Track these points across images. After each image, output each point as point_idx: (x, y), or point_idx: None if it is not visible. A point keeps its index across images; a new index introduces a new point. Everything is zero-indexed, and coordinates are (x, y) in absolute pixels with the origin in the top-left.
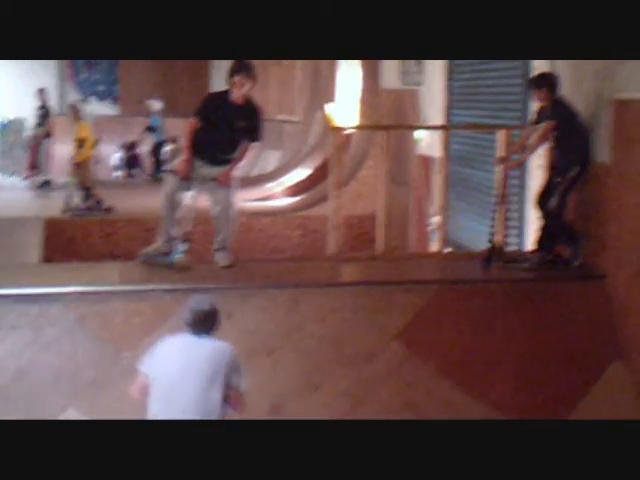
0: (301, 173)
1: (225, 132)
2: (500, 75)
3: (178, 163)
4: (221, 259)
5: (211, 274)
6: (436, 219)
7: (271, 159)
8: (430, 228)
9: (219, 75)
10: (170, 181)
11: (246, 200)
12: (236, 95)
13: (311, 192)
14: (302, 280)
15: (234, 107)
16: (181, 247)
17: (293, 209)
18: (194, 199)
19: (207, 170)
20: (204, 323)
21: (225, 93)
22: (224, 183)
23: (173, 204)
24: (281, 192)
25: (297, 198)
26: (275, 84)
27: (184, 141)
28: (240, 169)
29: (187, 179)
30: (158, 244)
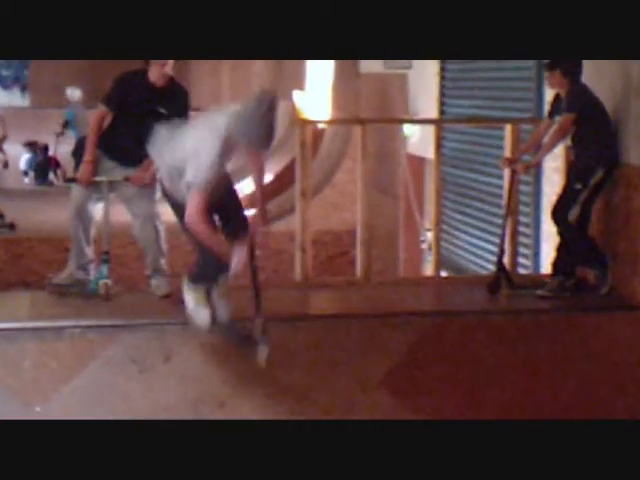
0: None
1: (143, 122)
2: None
3: (81, 167)
4: (157, 287)
5: (145, 305)
6: (430, 235)
7: None
8: (423, 246)
9: None
10: (75, 191)
11: None
12: (156, 75)
13: (274, 203)
14: (265, 312)
15: (154, 90)
16: (102, 271)
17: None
18: (107, 210)
19: (123, 172)
20: None
21: (142, 74)
22: (141, 182)
23: (83, 219)
24: None
25: (255, 211)
26: (227, 68)
27: (89, 137)
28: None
29: (95, 185)
30: (70, 270)
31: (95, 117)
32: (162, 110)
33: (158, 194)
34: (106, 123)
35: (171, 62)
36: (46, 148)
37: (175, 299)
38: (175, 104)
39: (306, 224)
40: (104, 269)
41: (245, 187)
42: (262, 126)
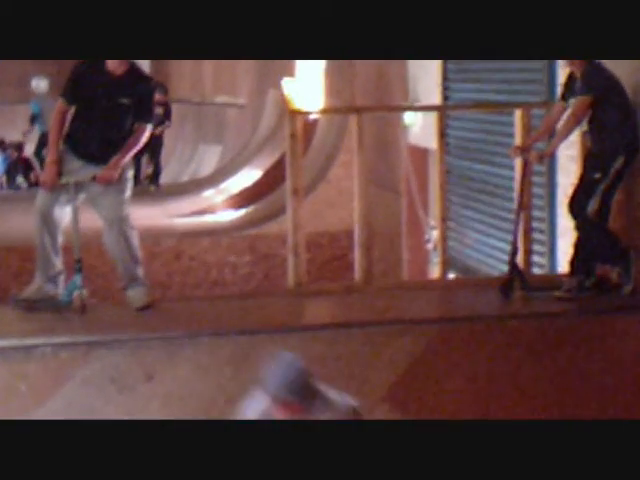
0: (249, 176)
1: (106, 115)
2: None
3: (44, 168)
4: (133, 298)
5: (123, 319)
6: (435, 234)
7: (208, 157)
8: (428, 246)
9: None
10: (39, 195)
11: (174, 215)
12: (114, 64)
13: (263, 202)
14: (253, 324)
15: (113, 79)
16: (75, 281)
17: (239, 226)
18: (76, 214)
19: (91, 171)
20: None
21: (99, 62)
22: (108, 180)
23: (49, 226)
24: (222, 203)
25: (245, 211)
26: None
27: (50, 134)
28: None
29: (61, 188)
30: (38, 283)
31: (55, 112)
32: (124, 100)
33: (128, 193)
34: (70, 118)
35: None
36: (19, 147)
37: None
38: (137, 93)
39: (299, 225)
40: (77, 279)
41: (233, 184)
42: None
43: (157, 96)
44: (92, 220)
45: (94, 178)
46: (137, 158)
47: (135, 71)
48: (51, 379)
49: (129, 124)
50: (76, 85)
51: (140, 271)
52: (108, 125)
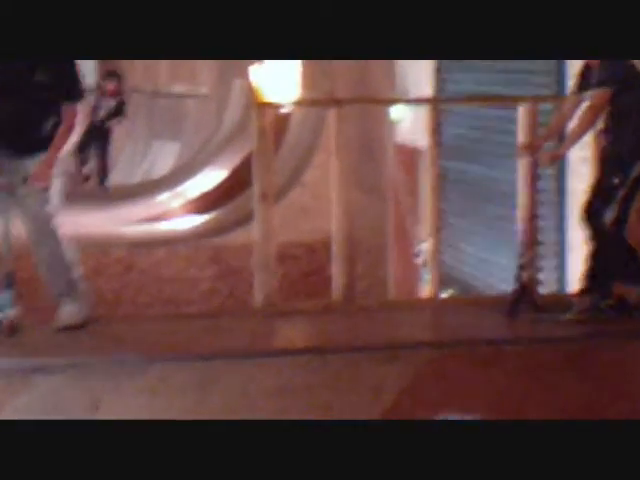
0: (211, 177)
1: (23, 96)
2: None
3: None
4: (63, 315)
5: (66, 341)
6: (426, 246)
7: (163, 156)
8: (418, 260)
9: None
10: None
11: (123, 222)
12: None
13: (229, 207)
14: (216, 348)
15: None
16: (3, 298)
17: (200, 235)
18: (6, 221)
19: (19, 166)
20: None
21: None
22: (44, 179)
23: None
24: (181, 208)
25: (206, 217)
26: None
27: None
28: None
29: None
30: None
31: None
32: (40, 77)
33: (56, 190)
34: None
35: None
36: None
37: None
38: (54, 67)
39: (269, 234)
40: (6, 295)
41: (193, 186)
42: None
43: (109, 85)
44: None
45: (26, 179)
46: (83, 152)
47: None
48: None
49: (56, 106)
50: None
51: (77, 283)
52: (27, 108)
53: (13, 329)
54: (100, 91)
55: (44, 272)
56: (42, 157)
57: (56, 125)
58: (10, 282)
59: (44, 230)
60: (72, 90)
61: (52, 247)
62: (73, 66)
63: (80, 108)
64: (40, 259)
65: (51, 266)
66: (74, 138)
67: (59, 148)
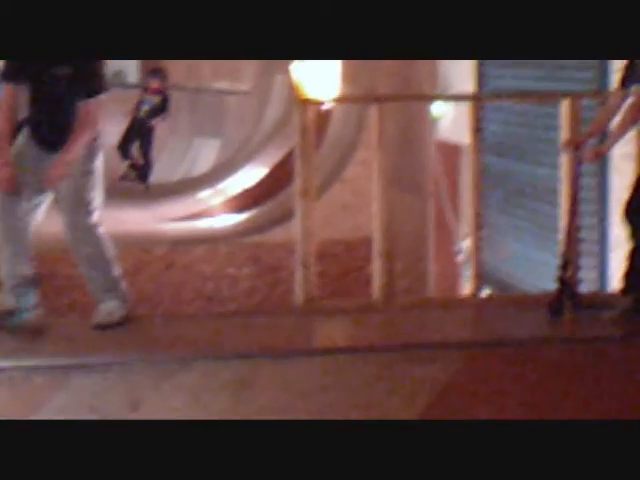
0: (252, 174)
1: (46, 89)
2: None
3: None
4: (105, 312)
5: (106, 339)
6: (468, 244)
7: (205, 153)
8: (459, 258)
9: None
10: None
11: (165, 220)
12: None
13: (268, 205)
14: (256, 346)
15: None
16: (26, 300)
17: (240, 233)
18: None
19: (48, 161)
20: None
21: None
22: (55, 182)
23: (10, 232)
24: (221, 205)
25: (246, 215)
26: None
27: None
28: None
29: (21, 189)
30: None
31: (3, 100)
32: (63, 70)
33: (94, 187)
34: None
35: None
36: None
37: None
38: (76, 61)
39: (309, 232)
40: (29, 298)
41: (234, 184)
42: None
43: (153, 82)
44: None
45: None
46: (125, 149)
47: None
48: (20, 408)
49: (73, 99)
50: (11, 65)
51: (116, 280)
52: (52, 103)
53: (35, 331)
54: (144, 88)
55: (84, 270)
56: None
57: (70, 117)
58: (33, 284)
59: (83, 228)
60: (92, 84)
61: (91, 245)
62: (93, 61)
63: (95, 105)
64: (79, 257)
65: (91, 264)
66: (90, 133)
67: (73, 148)
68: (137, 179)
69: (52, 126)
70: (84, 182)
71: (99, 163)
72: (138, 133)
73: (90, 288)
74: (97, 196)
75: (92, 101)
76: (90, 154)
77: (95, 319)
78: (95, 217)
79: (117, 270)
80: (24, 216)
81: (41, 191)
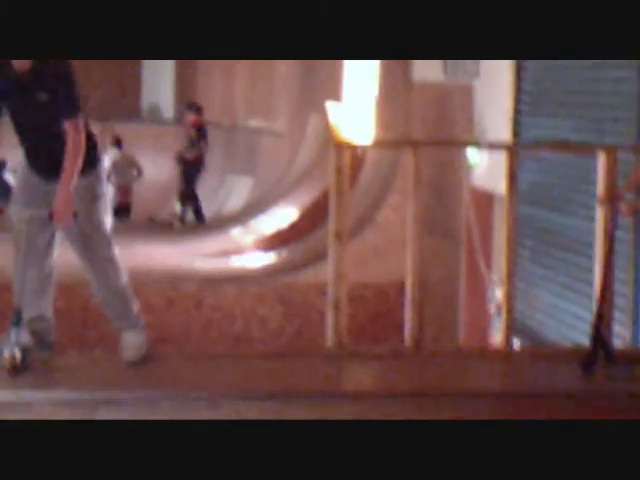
0: (284, 214)
1: (30, 119)
2: (601, 63)
3: None
4: (133, 346)
5: (134, 374)
6: (500, 293)
7: (237, 190)
8: (490, 307)
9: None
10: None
11: (195, 256)
12: (19, 63)
13: (300, 245)
14: (285, 387)
15: (23, 78)
16: (9, 337)
17: (271, 272)
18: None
19: (52, 189)
20: None
21: (2, 66)
22: (63, 220)
23: (31, 267)
24: (252, 244)
25: (277, 254)
26: (244, 73)
27: None
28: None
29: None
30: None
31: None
32: (41, 96)
33: (104, 212)
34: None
35: None
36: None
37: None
38: (53, 85)
39: (342, 274)
40: (13, 334)
41: (266, 222)
42: None
43: (190, 117)
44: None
45: (51, 216)
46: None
47: (42, 61)
48: None
49: (56, 123)
50: None
51: (136, 315)
52: (42, 134)
53: (16, 368)
54: (183, 123)
55: (103, 305)
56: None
57: (58, 142)
58: (17, 320)
59: (98, 260)
60: (68, 106)
61: (107, 279)
62: (68, 79)
63: (78, 125)
64: (97, 291)
65: (109, 299)
66: (79, 156)
67: (70, 177)
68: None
69: (47, 153)
70: (95, 207)
71: (106, 187)
72: (182, 170)
73: (111, 317)
74: (108, 222)
75: (74, 122)
76: (96, 178)
77: (126, 355)
78: (111, 247)
79: (135, 304)
80: (43, 249)
81: (51, 222)
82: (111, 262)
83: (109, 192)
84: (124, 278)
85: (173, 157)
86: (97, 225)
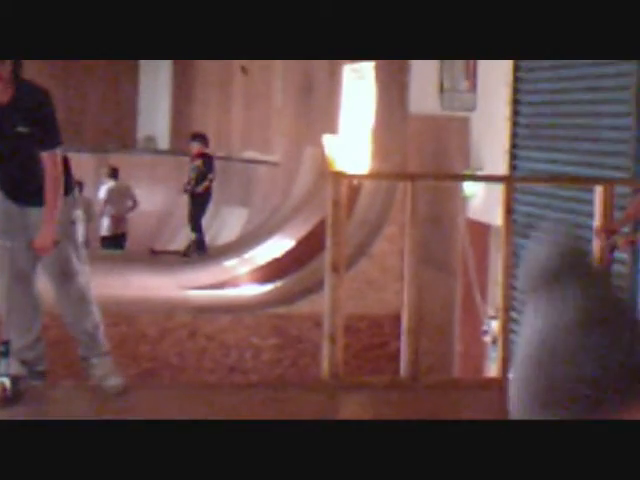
0: (280, 245)
1: (11, 151)
2: (598, 97)
3: None
4: (104, 376)
5: (121, 405)
6: (495, 324)
7: (232, 221)
8: (486, 339)
9: (151, 78)
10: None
11: (189, 287)
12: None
13: (295, 276)
14: (280, 420)
15: (3, 108)
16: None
17: (265, 303)
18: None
19: (26, 218)
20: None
21: None
22: (46, 250)
23: (15, 296)
24: (247, 275)
25: (272, 285)
26: (240, 104)
27: None
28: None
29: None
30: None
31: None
32: (22, 129)
33: (77, 240)
34: None
35: (6, 66)
36: None
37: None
38: (33, 116)
39: (337, 306)
40: (2, 364)
41: (261, 254)
42: None
43: (197, 147)
44: (91, 287)
45: (33, 246)
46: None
47: (22, 91)
48: None
49: (36, 156)
50: None
51: (104, 344)
52: (19, 163)
53: (6, 399)
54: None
55: (72, 331)
56: (34, 206)
57: (35, 174)
58: (6, 350)
59: (66, 288)
60: (48, 137)
61: (77, 306)
62: (49, 111)
63: (57, 152)
64: (65, 317)
65: (77, 326)
66: (59, 186)
67: (52, 210)
68: (195, 251)
69: (23, 181)
70: (73, 230)
71: (80, 213)
72: (191, 202)
73: (82, 342)
74: (79, 250)
75: (52, 154)
76: (72, 203)
77: (106, 388)
78: (86, 272)
79: (102, 334)
80: (28, 277)
81: (32, 250)
82: (87, 288)
83: (80, 220)
84: (90, 307)
85: (183, 189)
86: (75, 247)
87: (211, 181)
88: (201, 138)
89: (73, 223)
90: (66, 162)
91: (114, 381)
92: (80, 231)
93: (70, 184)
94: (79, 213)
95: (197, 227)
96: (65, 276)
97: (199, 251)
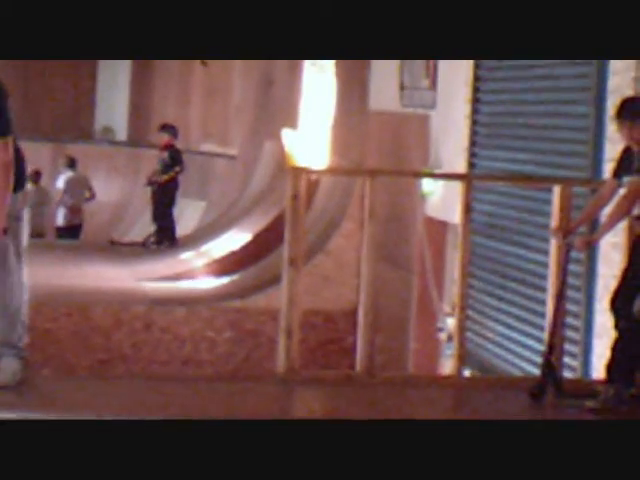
0: (236, 239)
1: None
2: (557, 98)
3: None
4: (9, 372)
5: (80, 396)
6: (451, 322)
7: (189, 214)
8: (441, 336)
9: (111, 69)
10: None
11: (145, 279)
12: None
13: (251, 270)
14: (234, 414)
15: None
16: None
17: (221, 296)
18: None
19: None
20: None
21: None
22: None
23: None
24: (203, 268)
25: (229, 279)
26: (199, 97)
27: None
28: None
29: None
30: None
31: None
32: None
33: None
34: None
35: None
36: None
37: None
38: None
39: (294, 300)
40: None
41: (217, 247)
42: None
43: (166, 138)
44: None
45: None
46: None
47: None
48: None
49: None
50: None
51: (21, 337)
52: None
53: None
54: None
55: None
56: None
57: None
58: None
59: (5, 277)
60: None
61: (8, 299)
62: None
63: (5, 144)
64: None
65: (3, 320)
66: (7, 176)
67: (2, 196)
68: (160, 242)
69: None
70: (20, 225)
71: (27, 209)
72: (155, 193)
73: None
74: (22, 250)
75: (3, 142)
76: (22, 197)
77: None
78: (23, 268)
79: (24, 329)
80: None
81: None
82: (18, 284)
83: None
84: (24, 306)
85: (147, 181)
86: (17, 244)
87: (177, 173)
88: (170, 129)
89: (19, 220)
90: (20, 157)
91: (6, 379)
92: (26, 230)
93: (22, 180)
94: (26, 212)
95: (165, 217)
96: None
97: (169, 242)
